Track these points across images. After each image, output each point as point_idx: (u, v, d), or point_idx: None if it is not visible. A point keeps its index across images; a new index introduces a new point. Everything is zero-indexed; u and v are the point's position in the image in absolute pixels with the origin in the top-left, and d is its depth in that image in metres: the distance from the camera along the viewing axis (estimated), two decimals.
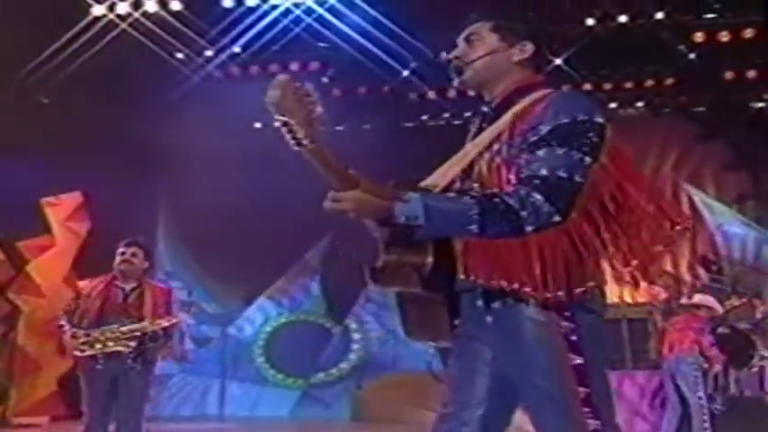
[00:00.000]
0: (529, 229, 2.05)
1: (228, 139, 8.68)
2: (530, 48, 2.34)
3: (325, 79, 7.97)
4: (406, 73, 7.86)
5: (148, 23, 6.58)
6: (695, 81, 7.98)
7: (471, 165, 2.28)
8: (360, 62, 7.59)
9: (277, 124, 2.04)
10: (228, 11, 6.65)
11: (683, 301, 5.48)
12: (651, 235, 2.11)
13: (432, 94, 8.51)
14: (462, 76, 2.35)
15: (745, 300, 5.99)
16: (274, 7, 6.59)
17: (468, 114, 8.90)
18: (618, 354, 5.81)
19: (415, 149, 8.42)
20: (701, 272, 8.82)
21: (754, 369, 5.37)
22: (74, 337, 4.86)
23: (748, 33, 7.08)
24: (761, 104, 8.62)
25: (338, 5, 6.60)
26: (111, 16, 6.62)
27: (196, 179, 8.49)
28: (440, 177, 2.38)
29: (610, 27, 6.87)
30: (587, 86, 8.08)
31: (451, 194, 2.22)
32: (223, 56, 7.22)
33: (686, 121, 8.78)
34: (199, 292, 9.32)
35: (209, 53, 7.32)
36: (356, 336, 9.15)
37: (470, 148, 2.34)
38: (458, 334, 2.28)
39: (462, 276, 2.16)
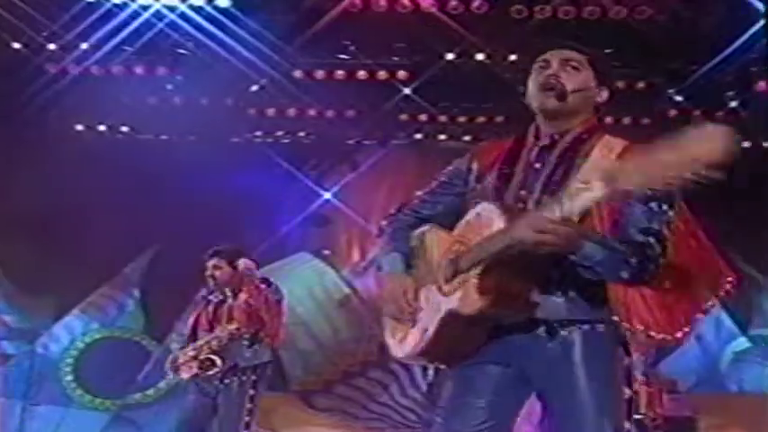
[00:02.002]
0: (647, 277, 2.28)
1: (49, 140, 8.13)
2: (605, 94, 2.49)
3: (169, 86, 7.67)
4: (254, 88, 7.75)
5: None
6: (523, 121, 8.51)
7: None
8: (211, 73, 7.42)
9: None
10: (91, 5, 6.24)
11: None
12: None
13: (271, 112, 8.43)
14: (563, 101, 2.40)
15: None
16: (145, 8, 6.28)
17: (302, 134, 8.94)
18: None
19: (230, 165, 8.35)
20: None
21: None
22: (171, 361, 4.45)
23: None
24: None
25: (213, 12, 6.42)
26: None
27: (8, 179, 7.84)
28: None
29: (468, 63, 7.20)
30: (423, 117, 8.41)
31: (609, 238, 2.27)
32: (74, 52, 6.75)
33: None
34: (1, 305, 8.56)
35: (51, 47, 6.82)
36: None
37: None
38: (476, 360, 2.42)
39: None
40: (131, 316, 8.97)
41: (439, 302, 2.40)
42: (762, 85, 7.49)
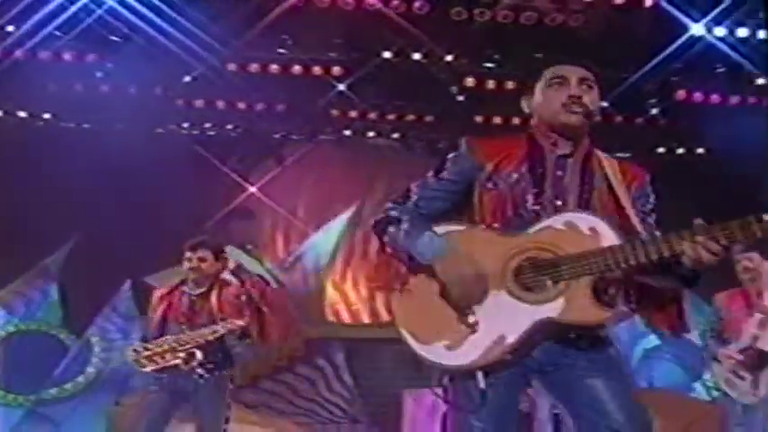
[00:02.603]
0: None
1: None
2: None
3: (99, 74, 7.47)
4: (187, 79, 7.62)
5: None
6: (451, 121, 8.63)
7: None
8: (143, 62, 7.26)
9: None
10: None
11: None
12: None
13: (200, 103, 8.31)
14: (589, 119, 2.49)
15: None
16: None
17: (230, 127, 8.82)
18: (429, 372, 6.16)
19: (155, 156, 8.20)
20: None
21: None
22: (134, 350, 4.24)
23: (510, 85, 7.82)
24: None
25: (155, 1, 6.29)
26: None
27: None
28: None
29: (404, 62, 7.27)
30: (353, 113, 8.43)
31: None
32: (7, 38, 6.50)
33: (431, 157, 9.33)
34: None
35: None
36: (97, 348, 8.54)
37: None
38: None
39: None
40: (49, 309, 8.67)
41: (522, 310, 2.39)
42: (681, 94, 7.85)
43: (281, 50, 7.31)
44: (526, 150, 2.58)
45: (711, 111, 8.09)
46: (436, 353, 2.44)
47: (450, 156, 2.66)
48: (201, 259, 4.78)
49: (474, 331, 2.41)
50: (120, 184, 8.06)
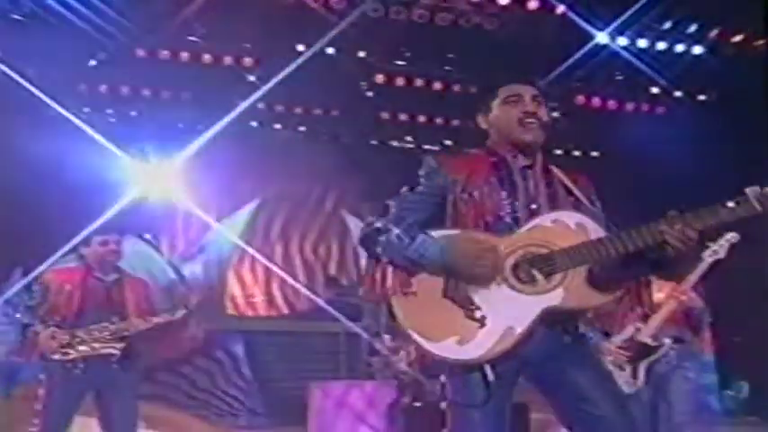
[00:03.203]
0: None
1: None
2: None
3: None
4: (93, 63, 7.41)
5: None
6: (357, 116, 8.71)
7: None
8: (47, 43, 7.00)
9: None
10: None
11: None
12: None
13: (103, 89, 8.09)
14: (545, 130, 2.63)
15: None
16: None
17: (135, 114, 8.60)
18: (334, 365, 6.25)
19: (49, 141, 7.93)
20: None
21: None
22: (53, 337, 3.92)
23: (419, 82, 7.96)
24: (396, 143, 9.60)
25: None
26: None
27: None
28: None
29: (317, 56, 7.25)
30: (261, 105, 8.37)
31: None
32: None
33: (335, 150, 9.38)
34: None
35: None
36: None
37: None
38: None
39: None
40: None
41: (526, 301, 2.51)
42: (581, 99, 8.19)
43: (193, 39, 7.20)
44: (491, 163, 2.73)
45: (608, 116, 8.46)
46: (448, 349, 2.52)
47: (422, 172, 2.74)
48: (119, 243, 4.69)
49: (483, 325, 2.51)
50: (13, 170, 7.74)
